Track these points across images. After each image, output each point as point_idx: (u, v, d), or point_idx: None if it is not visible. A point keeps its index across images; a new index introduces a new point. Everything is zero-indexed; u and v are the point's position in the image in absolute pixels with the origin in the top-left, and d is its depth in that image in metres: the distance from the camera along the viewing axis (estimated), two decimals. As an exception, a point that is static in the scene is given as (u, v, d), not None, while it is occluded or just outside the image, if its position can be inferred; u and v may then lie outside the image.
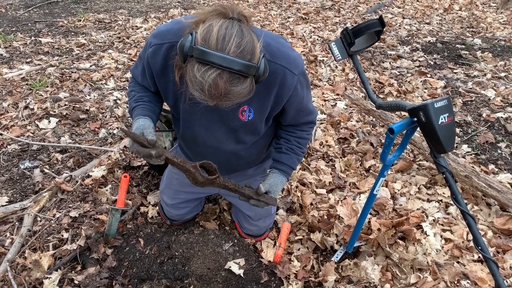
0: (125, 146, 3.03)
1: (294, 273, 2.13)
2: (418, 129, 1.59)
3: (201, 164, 1.56)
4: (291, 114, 1.73)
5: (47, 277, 1.95)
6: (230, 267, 2.03)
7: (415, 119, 1.52)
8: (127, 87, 4.14)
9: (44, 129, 3.38)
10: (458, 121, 3.67)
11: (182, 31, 1.37)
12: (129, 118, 3.65)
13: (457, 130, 3.55)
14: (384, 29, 1.72)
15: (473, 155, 3.17)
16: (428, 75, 4.67)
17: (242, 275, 2.01)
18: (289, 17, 7.16)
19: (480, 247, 1.49)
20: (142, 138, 1.46)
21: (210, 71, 1.21)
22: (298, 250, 2.32)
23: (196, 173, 1.54)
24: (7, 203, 2.52)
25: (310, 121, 1.86)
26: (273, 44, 1.53)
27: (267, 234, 2.38)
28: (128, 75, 4.54)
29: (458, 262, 2.17)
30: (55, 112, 3.59)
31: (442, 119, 1.46)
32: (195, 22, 1.33)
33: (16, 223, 2.36)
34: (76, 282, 1.96)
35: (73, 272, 2.04)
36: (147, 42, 1.61)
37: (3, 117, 3.49)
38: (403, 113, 3.53)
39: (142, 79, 1.75)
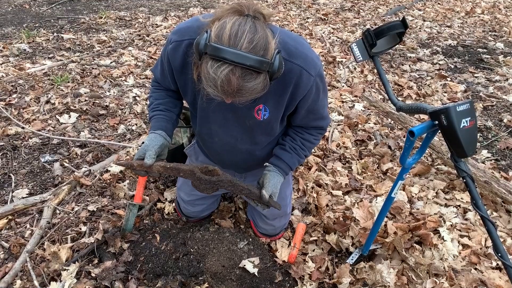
0: (143, 143, 3.05)
1: (309, 274, 2.13)
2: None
3: (201, 170, 1.66)
4: (301, 114, 1.73)
5: (65, 269, 1.99)
6: (244, 265, 2.03)
7: (436, 122, 1.50)
8: (147, 85, 4.19)
9: (64, 123, 3.44)
10: (478, 126, 3.61)
11: (201, 28, 1.38)
12: (148, 115, 3.68)
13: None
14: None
15: (493, 161, 3.12)
16: (448, 79, 4.60)
17: (257, 274, 2.02)
18: (308, 18, 7.14)
19: (500, 254, 1.47)
20: (137, 166, 1.68)
21: (222, 67, 1.23)
22: (313, 251, 2.31)
23: (196, 182, 1.67)
24: (27, 195, 2.57)
25: (320, 127, 1.86)
26: (291, 43, 1.52)
27: (282, 234, 2.38)
28: (148, 72, 4.58)
29: (475, 269, 2.14)
30: (75, 107, 3.65)
31: (464, 123, 1.44)
32: (212, 20, 1.34)
33: (36, 215, 2.41)
34: (93, 275, 1.99)
35: (90, 265, 2.07)
36: (168, 39, 1.63)
37: (25, 111, 3.56)
38: (422, 116, 3.49)
39: (162, 78, 1.77)
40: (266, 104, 1.63)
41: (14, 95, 3.81)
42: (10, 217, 2.38)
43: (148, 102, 1.89)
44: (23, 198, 2.53)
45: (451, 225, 2.41)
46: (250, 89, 1.29)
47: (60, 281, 1.94)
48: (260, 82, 1.30)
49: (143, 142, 1.80)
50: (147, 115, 3.67)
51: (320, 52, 5.31)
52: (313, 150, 3.09)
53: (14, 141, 3.13)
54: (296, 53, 1.52)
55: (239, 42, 1.22)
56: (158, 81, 1.84)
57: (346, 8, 7.90)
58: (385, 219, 2.33)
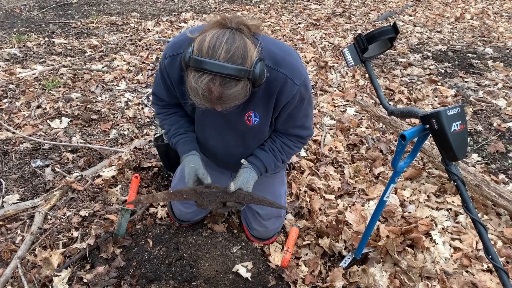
0: (135, 147, 3.05)
1: (302, 278, 2.13)
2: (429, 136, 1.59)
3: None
4: (282, 119, 1.79)
5: (56, 275, 1.97)
6: (237, 270, 2.03)
7: (427, 126, 1.51)
8: (139, 89, 4.17)
9: (55, 128, 3.42)
10: (468, 130, 3.65)
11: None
12: (140, 120, 3.68)
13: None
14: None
15: (483, 165, 3.15)
16: (439, 83, 4.65)
17: (250, 279, 2.01)
18: (300, 23, 7.17)
19: (491, 257, 1.48)
20: (144, 200, 1.84)
21: (203, 77, 1.32)
22: (306, 255, 2.32)
23: (199, 199, 1.80)
24: (18, 201, 2.55)
25: (300, 136, 1.90)
26: (278, 52, 1.60)
27: (275, 238, 2.38)
28: (140, 77, 4.57)
29: (467, 271, 2.15)
30: (67, 112, 3.63)
31: (454, 126, 1.46)
32: (200, 34, 1.42)
33: (27, 220, 2.39)
34: (85, 280, 1.97)
35: (82, 270, 2.06)
36: (163, 54, 1.72)
37: (16, 116, 3.54)
38: (413, 120, 3.52)
39: (166, 94, 1.85)
40: (256, 110, 1.71)
41: (5, 100, 3.78)
42: (0, 222, 2.35)
43: (163, 129, 2.00)
44: (14, 203, 2.51)
45: (442, 228, 2.43)
46: (231, 96, 1.38)
47: (52, 287, 1.93)
48: (240, 89, 1.38)
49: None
50: (147, 118, 3.67)
51: (312, 57, 5.34)
52: (305, 154, 3.10)
53: (4, 146, 3.10)
54: (283, 62, 1.59)
55: (216, 52, 1.31)
56: (163, 99, 1.90)
57: (337, 14, 7.95)
58: (378, 222, 2.34)
